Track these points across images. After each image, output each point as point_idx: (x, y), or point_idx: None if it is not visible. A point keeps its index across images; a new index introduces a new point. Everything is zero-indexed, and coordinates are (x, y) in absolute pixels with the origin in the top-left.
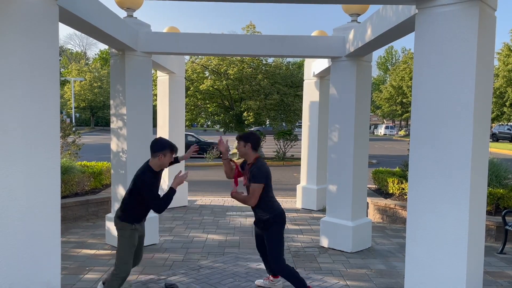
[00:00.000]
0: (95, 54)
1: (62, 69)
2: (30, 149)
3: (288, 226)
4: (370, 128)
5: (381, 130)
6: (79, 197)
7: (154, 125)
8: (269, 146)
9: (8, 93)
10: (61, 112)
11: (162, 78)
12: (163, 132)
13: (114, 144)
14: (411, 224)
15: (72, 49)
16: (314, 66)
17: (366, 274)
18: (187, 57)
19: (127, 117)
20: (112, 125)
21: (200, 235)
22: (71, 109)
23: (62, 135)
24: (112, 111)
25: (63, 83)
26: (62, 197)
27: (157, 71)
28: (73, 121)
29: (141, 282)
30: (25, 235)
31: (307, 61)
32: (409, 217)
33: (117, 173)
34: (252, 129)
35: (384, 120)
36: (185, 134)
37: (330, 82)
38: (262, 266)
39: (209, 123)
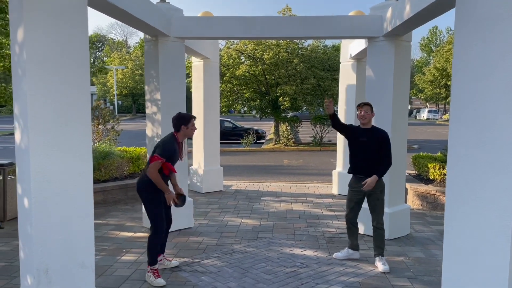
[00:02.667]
0: (136, 43)
1: (105, 58)
2: (63, 133)
3: (323, 211)
4: (412, 113)
5: (424, 114)
6: (119, 181)
7: (189, 110)
8: (305, 132)
9: (39, 77)
10: (104, 99)
11: (197, 64)
12: (198, 118)
13: (149, 129)
14: (449, 211)
15: (114, 38)
16: (351, 48)
17: (403, 262)
18: (223, 42)
19: (161, 102)
20: (147, 111)
21: (234, 219)
22: (114, 96)
23: (102, 122)
24: (147, 97)
25: (105, 71)
26: (103, 181)
27: (192, 57)
28: (116, 108)
29: (178, 265)
30: (59, 217)
31: (344, 43)
32: (447, 204)
33: None
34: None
35: (427, 104)
36: (222, 120)
37: (366, 64)
38: (295, 251)
39: (245, 109)
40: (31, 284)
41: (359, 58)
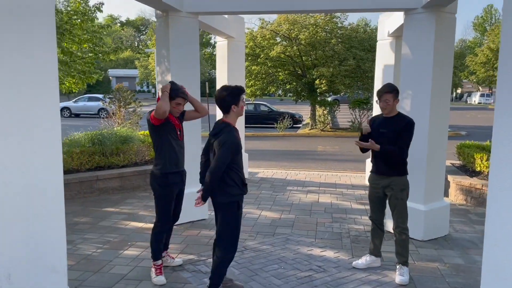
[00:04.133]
0: None
1: (148, 41)
2: (25, 123)
3: (352, 205)
4: (462, 97)
5: (476, 99)
6: (138, 167)
7: (203, 94)
8: (344, 116)
9: None
10: (146, 83)
11: (221, 44)
12: None
13: None
14: (491, 211)
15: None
16: (389, 24)
17: (437, 269)
18: (257, 22)
19: None
20: (158, 94)
21: (253, 211)
22: (155, 79)
23: (122, 104)
24: (158, 79)
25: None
26: (121, 167)
27: (217, 37)
28: (156, 91)
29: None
30: (21, 216)
31: (382, 19)
32: (489, 200)
33: None
34: (329, 98)
35: (480, 87)
36: (258, 104)
37: (403, 40)
38: (314, 251)
39: (280, 92)
40: None
41: (398, 35)
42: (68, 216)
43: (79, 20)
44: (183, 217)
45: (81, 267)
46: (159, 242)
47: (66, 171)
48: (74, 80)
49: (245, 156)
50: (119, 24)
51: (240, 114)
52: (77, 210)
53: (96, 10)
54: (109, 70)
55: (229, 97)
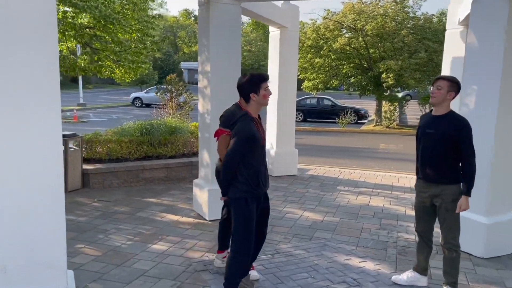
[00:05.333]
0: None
1: None
2: (23, 119)
3: (406, 211)
4: None
5: None
6: (184, 158)
7: None
8: (413, 113)
9: None
10: None
11: (274, 34)
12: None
13: (200, 105)
14: None
15: None
16: (460, 11)
17: None
18: (320, 12)
19: (210, 74)
20: (199, 84)
21: (295, 211)
22: None
23: (174, 95)
24: (199, 69)
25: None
26: (168, 157)
27: (269, 27)
28: None
29: (203, 262)
30: (17, 209)
31: (452, 6)
32: None
33: (202, 136)
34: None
35: None
36: (321, 98)
37: (469, 28)
38: (352, 260)
39: (343, 86)
40: None
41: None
42: (110, 204)
43: (130, 11)
44: (216, 214)
45: (106, 259)
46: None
47: (114, 160)
48: (124, 70)
49: (294, 151)
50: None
51: (262, 104)
52: (119, 199)
53: (148, 0)
54: (181, 62)
55: (248, 85)
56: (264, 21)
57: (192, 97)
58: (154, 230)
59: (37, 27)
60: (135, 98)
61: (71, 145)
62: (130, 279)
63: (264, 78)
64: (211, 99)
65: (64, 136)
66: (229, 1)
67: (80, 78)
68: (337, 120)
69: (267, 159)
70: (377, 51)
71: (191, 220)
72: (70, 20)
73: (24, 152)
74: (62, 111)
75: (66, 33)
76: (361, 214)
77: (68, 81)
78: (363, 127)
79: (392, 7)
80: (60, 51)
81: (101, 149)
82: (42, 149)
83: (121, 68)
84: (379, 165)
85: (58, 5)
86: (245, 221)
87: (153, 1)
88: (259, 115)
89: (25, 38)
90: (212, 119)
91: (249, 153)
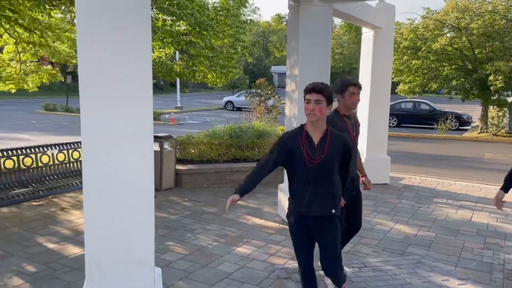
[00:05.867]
0: (341, 21)
1: None
2: (116, 109)
3: None
4: None
5: None
6: None
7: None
8: None
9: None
10: None
11: (367, 35)
12: (363, 98)
13: (287, 109)
14: None
15: None
16: None
17: None
18: (418, 11)
19: (298, 78)
20: (286, 88)
21: (385, 222)
22: None
23: (263, 99)
24: (287, 72)
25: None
26: (255, 161)
27: (362, 28)
28: None
29: (286, 270)
30: (112, 208)
31: None
32: None
33: None
34: (510, 98)
35: None
36: (418, 102)
37: None
38: (451, 282)
39: (443, 90)
40: (86, 273)
41: None
42: (199, 204)
43: (223, 17)
44: None
45: (193, 258)
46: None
47: (205, 161)
48: (216, 75)
49: (386, 158)
50: (284, 23)
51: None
52: (208, 199)
53: (240, 6)
54: (272, 67)
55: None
56: (357, 23)
57: (280, 101)
58: (239, 232)
59: (135, 34)
60: (227, 102)
61: (166, 146)
62: (214, 280)
63: (349, 83)
64: (298, 103)
65: (160, 137)
66: (320, 3)
67: (177, 82)
68: (435, 126)
69: None
70: (484, 51)
71: (275, 225)
72: (168, 28)
73: (120, 155)
74: (162, 113)
75: (165, 40)
76: (462, 230)
77: (168, 86)
78: (465, 134)
79: (503, 3)
80: (159, 57)
81: (193, 151)
82: (135, 152)
83: (213, 72)
84: (484, 177)
85: (157, 13)
86: (292, 238)
87: (246, 7)
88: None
89: (127, 43)
90: (298, 123)
91: (289, 166)
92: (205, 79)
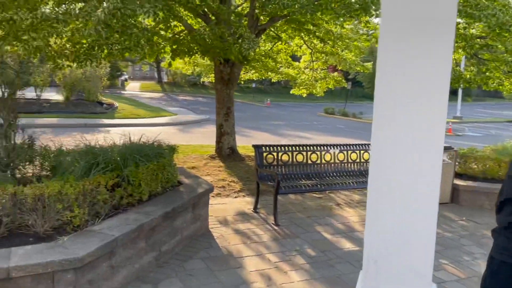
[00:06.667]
0: None
1: None
2: (413, 109)
3: None
4: None
5: None
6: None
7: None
8: None
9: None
10: None
11: None
12: None
13: None
14: None
15: None
16: None
17: None
18: None
19: None
20: None
21: None
22: None
23: None
24: None
25: None
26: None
27: None
28: None
29: None
30: (397, 216)
31: None
32: None
33: None
34: None
35: None
36: None
37: None
38: None
39: None
40: (363, 269)
41: None
42: (479, 227)
43: None
44: None
45: (470, 285)
46: None
47: (489, 179)
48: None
49: None
50: None
51: None
52: (490, 222)
53: None
54: None
55: None
56: None
57: None
58: None
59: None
60: None
61: (444, 157)
62: None
63: None
64: None
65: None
66: None
67: (459, 90)
68: None
69: None
70: None
71: None
72: (462, 31)
73: (407, 161)
74: None
75: (455, 44)
76: None
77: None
78: None
79: None
80: None
81: (475, 166)
82: (424, 161)
83: (511, 79)
84: None
85: None
86: None
87: None
88: None
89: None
90: None
91: None
92: (500, 87)
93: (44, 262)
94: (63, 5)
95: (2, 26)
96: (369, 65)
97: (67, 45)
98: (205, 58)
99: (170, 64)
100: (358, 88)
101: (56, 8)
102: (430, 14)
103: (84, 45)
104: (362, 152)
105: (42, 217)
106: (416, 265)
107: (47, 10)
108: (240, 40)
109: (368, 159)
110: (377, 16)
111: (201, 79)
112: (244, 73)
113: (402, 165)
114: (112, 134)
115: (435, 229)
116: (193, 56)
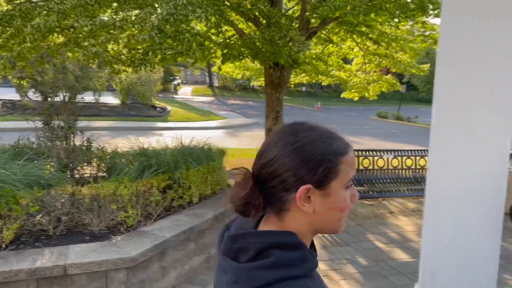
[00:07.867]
0: None
1: None
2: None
3: None
4: None
5: None
6: None
7: None
8: None
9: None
10: None
11: None
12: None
13: None
14: None
15: None
16: None
17: None
18: None
19: None
20: None
21: None
22: None
23: None
24: None
25: None
26: None
27: None
28: None
29: None
30: (457, 228)
31: None
32: None
33: None
34: None
35: None
36: None
37: None
38: None
39: None
40: (419, 281)
41: None
42: None
43: None
44: None
45: None
46: None
47: None
48: None
49: None
50: None
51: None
52: None
53: None
54: None
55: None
56: None
57: None
58: None
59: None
60: None
61: (510, 165)
62: None
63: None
64: None
65: None
66: None
67: None
68: None
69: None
70: None
71: None
72: None
73: (469, 170)
74: None
75: None
76: None
77: None
78: None
79: None
80: None
81: None
82: (487, 169)
83: None
84: None
85: None
86: None
87: None
88: None
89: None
90: None
91: None
92: None
93: (99, 260)
94: (121, 12)
95: (64, 33)
96: (425, 66)
97: (124, 51)
98: (255, 62)
99: (220, 68)
100: (412, 92)
101: (114, 16)
102: (502, 8)
103: (139, 51)
104: (418, 158)
105: (98, 217)
106: (477, 280)
107: (105, 18)
108: (290, 43)
109: (424, 166)
110: (435, 16)
111: (251, 83)
112: (294, 77)
113: (463, 173)
114: (165, 137)
115: (499, 242)
116: (243, 60)
